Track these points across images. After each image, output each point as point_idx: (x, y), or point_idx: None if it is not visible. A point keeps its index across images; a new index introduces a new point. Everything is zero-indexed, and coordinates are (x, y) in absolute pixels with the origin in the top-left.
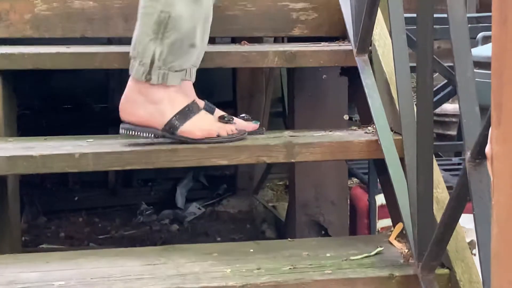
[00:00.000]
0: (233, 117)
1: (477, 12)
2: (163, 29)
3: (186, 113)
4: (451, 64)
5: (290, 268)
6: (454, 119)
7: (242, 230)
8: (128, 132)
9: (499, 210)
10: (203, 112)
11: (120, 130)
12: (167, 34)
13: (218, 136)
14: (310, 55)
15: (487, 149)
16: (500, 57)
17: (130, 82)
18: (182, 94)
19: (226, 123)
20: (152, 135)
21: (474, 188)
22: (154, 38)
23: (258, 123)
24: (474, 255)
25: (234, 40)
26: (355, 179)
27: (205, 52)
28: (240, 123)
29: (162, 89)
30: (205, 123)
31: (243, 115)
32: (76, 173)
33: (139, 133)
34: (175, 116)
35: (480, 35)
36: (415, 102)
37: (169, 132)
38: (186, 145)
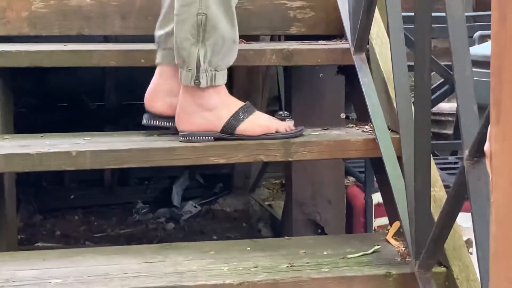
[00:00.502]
0: (289, 113)
1: (474, 11)
2: (203, 32)
3: (242, 113)
4: (447, 63)
5: (287, 266)
6: (450, 118)
7: (238, 229)
8: (187, 139)
9: (498, 208)
10: (258, 112)
11: (180, 138)
12: (207, 35)
13: (277, 132)
14: (307, 54)
15: (486, 147)
16: (500, 56)
17: (182, 92)
18: (235, 98)
19: (284, 120)
20: (212, 138)
21: (472, 186)
22: (195, 42)
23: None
24: (471, 253)
25: None
26: (351, 178)
27: None
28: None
29: (215, 95)
30: (263, 120)
31: (280, 112)
32: (72, 172)
33: (198, 137)
34: (232, 117)
35: (477, 34)
36: (413, 101)
37: (228, 133)
38: (188, 143)
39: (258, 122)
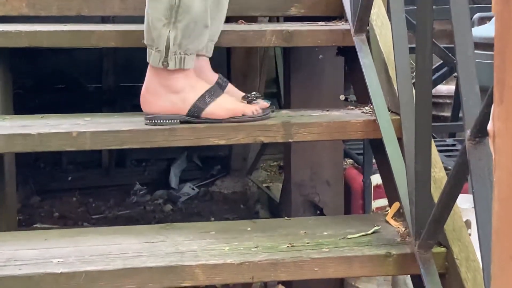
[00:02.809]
0: (256, 96)
1: None
2: (175, 13)
3: (208, 96)
4: (446, 45)
5: (287, 246)
6: (448, 101)
7: (236, 211)
8: (153, 121)
9: (500, 187)
10: (225, 95)
11: (145, 121)
12: (179, 17)
13: (243, 115)
14: (307, 35)
15: (489, 127)
16: (504, 35)
17: (149, 73)
18: (203, 80)
19: (250, 102)
20: (178, 121)
21: (474, 167)
22: (167, 23)
23: (270, 102)
24: (469, 234)
25: (229, 20)
26: (349, 160)
27: None
28: (261, 102)
29: (182, 78)
30: (229, 103)
31: (253, 93)
32: (70, 153)
33: (164, 120)
34: (198, 100)
35: (476, 15)
36: (413, 82)
37: (194, 116)
38: (188, 124)
39: (224, 105)
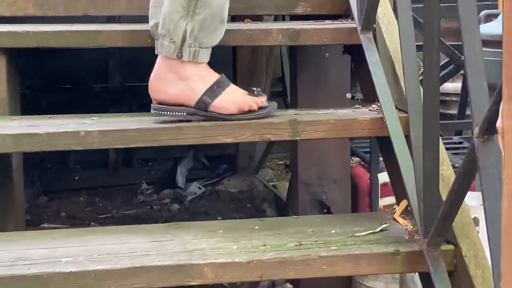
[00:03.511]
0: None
1: None
2: (194, 6)
3: (216, 88)
4: (452, 42)
5: (295, 245)
6: (454, 98)
7: (242, 210)
8: (160, 112)
9: (510, 184)
10: (233, 86)
11: (152, 111)
12: (198, 10)
13: (250, 110)
14: (314, 33)
15: (499, 123)
16: None
17: (159, 60)
18: (212, 70)
19: (256, 96)
20: (185, 113)
21: (482, 164)
22: (185, 15)
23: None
24: (477, 232)
25: (234, 19)
26: (355, 158)
27: None
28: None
29: (192, 66)
30: (236, 96)
31: (253, 88)
32: (77, 153)
33: (171, 112)
34: (206, 91)
35: (482, 13)
36: (420, 79)
37: (201, 108)
38: (194, 123)
39: (232, 98)
